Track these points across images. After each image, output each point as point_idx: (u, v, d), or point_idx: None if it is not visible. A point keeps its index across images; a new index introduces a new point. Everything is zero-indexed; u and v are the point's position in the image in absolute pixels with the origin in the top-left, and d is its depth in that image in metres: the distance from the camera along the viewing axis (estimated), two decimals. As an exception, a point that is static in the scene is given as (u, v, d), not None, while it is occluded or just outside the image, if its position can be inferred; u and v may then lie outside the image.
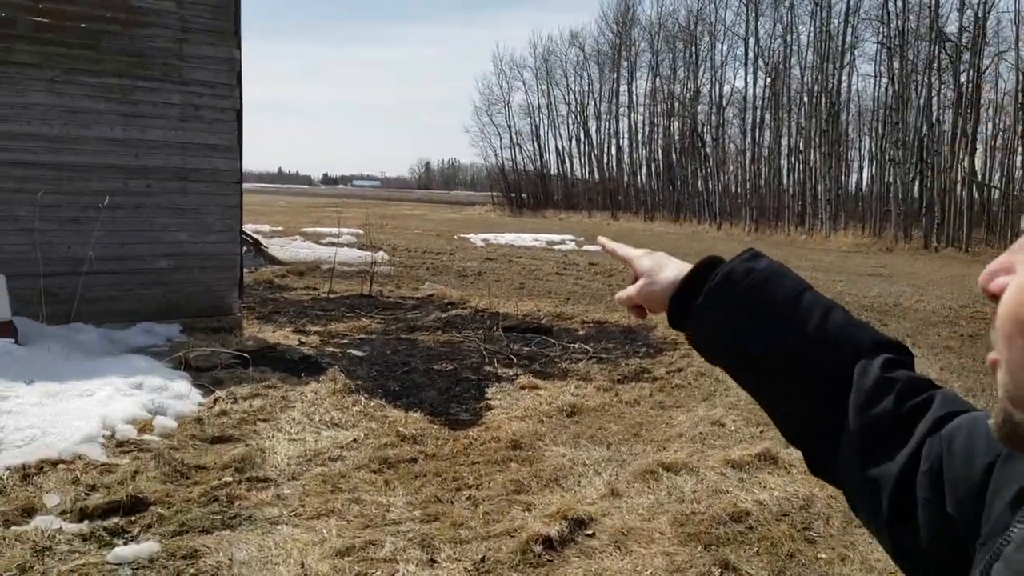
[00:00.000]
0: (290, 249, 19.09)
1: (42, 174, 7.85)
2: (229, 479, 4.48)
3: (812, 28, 37.12)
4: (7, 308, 6.97)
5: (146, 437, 5.11)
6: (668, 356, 8.31)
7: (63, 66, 7.91)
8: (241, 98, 9.05)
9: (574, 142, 56.94)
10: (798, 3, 38.57)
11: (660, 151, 48.61)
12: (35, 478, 4.30)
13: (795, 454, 5.19)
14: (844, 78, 36.32)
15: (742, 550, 3.80)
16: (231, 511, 4.11)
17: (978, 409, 0.81)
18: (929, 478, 0.77)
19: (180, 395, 5.91)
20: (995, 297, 0.60)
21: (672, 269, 1.05)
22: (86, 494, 4.19)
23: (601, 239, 1.24)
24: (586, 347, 8.65)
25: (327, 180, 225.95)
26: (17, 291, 7.21)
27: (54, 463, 4.51)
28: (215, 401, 5.94)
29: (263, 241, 18.62)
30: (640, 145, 51.23)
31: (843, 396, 0.86)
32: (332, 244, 20.41)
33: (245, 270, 10.68)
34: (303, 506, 4.20)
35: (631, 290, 1.09)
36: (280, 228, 26.94)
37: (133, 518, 3.97)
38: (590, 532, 3.94)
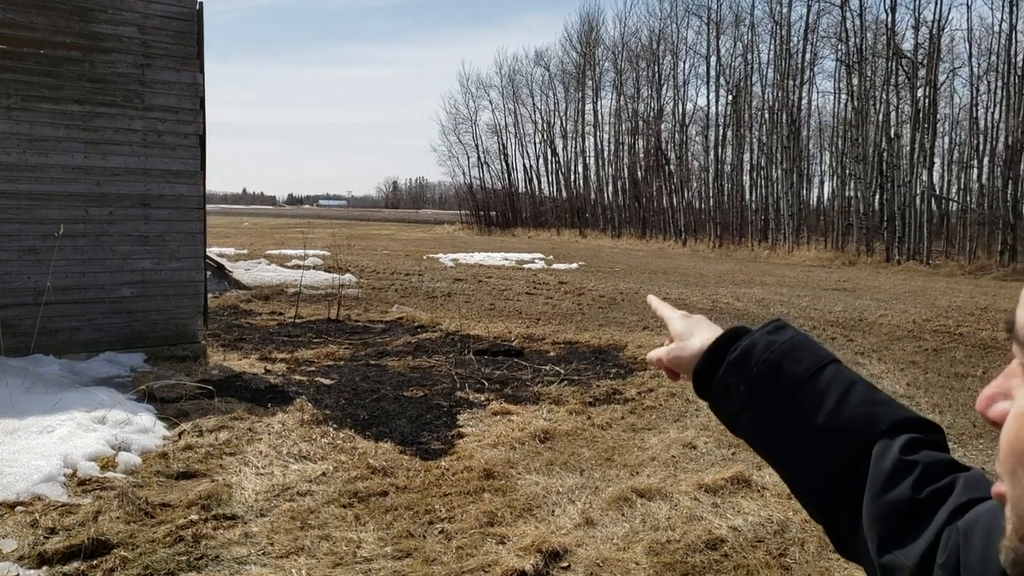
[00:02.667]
0: (255, 272, 18.88)
1: (0, 203, 7.68)
2: (195, 517, 4.37)
3: (772, 46, 37.76)
4: (-37, 342, 6.79)
5: (109, 475, 4.98)
6: (639, 376, 8.30)
7: (21, 93, 7.77)
8: (204, 123, 8.95)
9: (541, 160, 57.22)
10: (758, 22, 39.23)
11: (626, 168, 49.01)
12: (-8, 522, 4.16)
13: (768, 476, 5.20)
14: (804, 95, 36.98)
15: (718, 579, 3.78)
16: (197, 551, 4.01)
17: None
18: (946, 572, 0.73)
19: (144, 429, 5.77)
20: (995, 424, 0.58)
21: (702, 335, 1.04)
22: (45, 537, 4.06)
23: (650, 298, 1.25)
24: (557, 369, 8.62)
25: (292, 200, 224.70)
26: (-26, 324, 7.03)
27: (11, 505, 4.38)
28: (180, 435, 5.81)
29: (227, 265, 18.39)
30: (606, 163, 51.66)
31: (863, 478, 0.83)
32: (298, 267, 20.24)
33: (209, 295, 10.53)
34: (271, 544, 4.10)
35: (661, 352, 1.09)
36: (245, 251, 26.66)
37: (95, 562, 3.85)
38: (565, 565, 3.89)
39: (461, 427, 6.42)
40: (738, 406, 0.95)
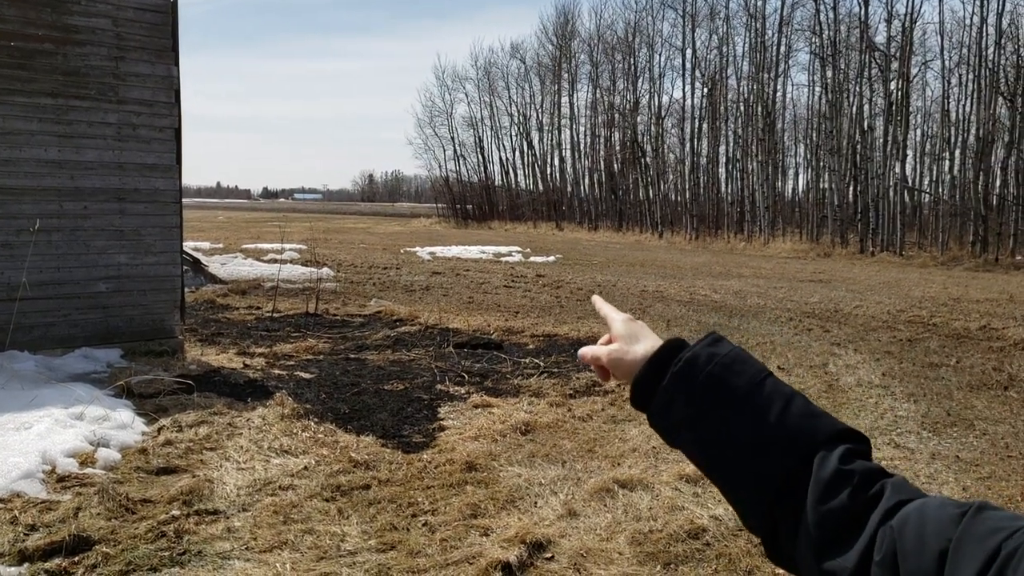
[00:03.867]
0: (231, 267, 18.74)
1: (-29, 198, 7.58)
2: (177, 513, 4.35)
3: (747, 39, 37.96)
4: (-64, 339, 6.70)
5: (89, 471, 4.94)
6: (618, 369, 8.34)
7: (-8, 86, 7.65)
8: (180, 116, 8.87)
9: (517, 153, 57.17)
10: (733, 15, 39.41)
11: (602, 161, 49.10)
12: (-30, 520, 4.12)
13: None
14: (779, 88, 37.19)
15: (701, 568, 3.82)
16: (180, 547, 3.99)
17: (927, 495, 0.82)
18: (883, 569, 0.78)
19: (123, 425, 5.73)
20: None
21: (645, 344, 1.03)
22: (26, 535, 4.03)
23: (595, 298, 1.22)
24: (537, 362, 8.65)
25: (267, 194, 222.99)
26: (-54, 320, 6.94)
27: (-9, 503, 4.33)
28: (159, 430, 5.78)
29: (203, 259, 18.25)
30: (582, 155, 51.72)
31: (802, 488, 0.86)
32: (275, 261, 20.12)
33: (186, 290, 10.46)
34: (255, 539, 4.09)
35: (600, 352, 1.07)
36: (220, 245, 26.46)
37: (76, 559, 3.82)
38: (549, 555, 3.92)
39: (442, 420, 6.43)
40: (680, 416, 0.96)
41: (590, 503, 4.60)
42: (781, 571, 3.81)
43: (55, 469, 4.87)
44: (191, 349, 9.09)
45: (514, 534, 4.03)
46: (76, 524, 4.10)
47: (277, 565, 3.79)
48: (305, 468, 5.11)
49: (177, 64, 8.80)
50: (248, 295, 14.30)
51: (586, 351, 1.09)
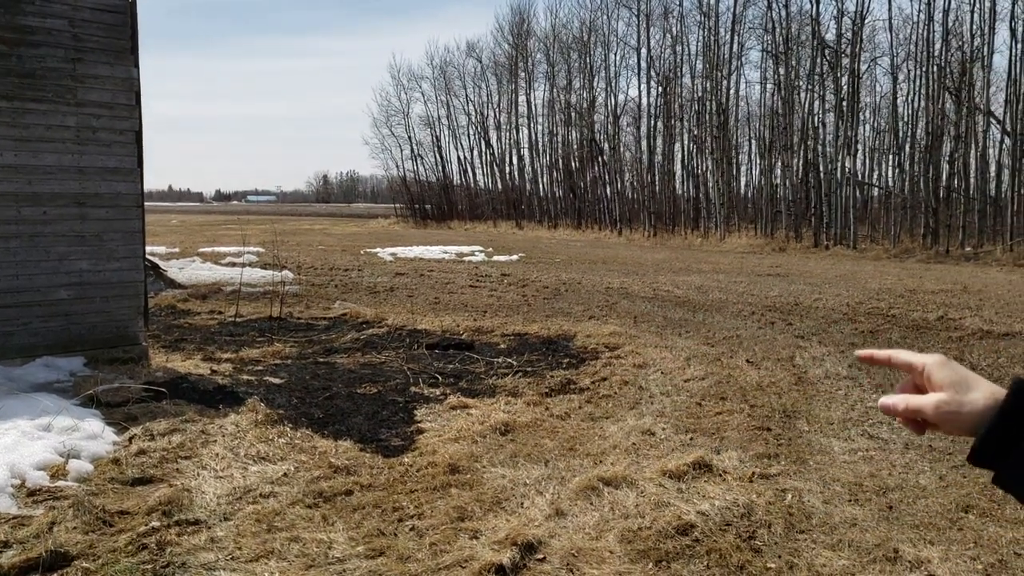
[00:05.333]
0: (190, 271, 18.43)
1: (-76, 204, 7.33)
2: (157, 524, 4.25)
3: (700, 37, 38.37)
4: None
5: (61, 483, 4.81)
6: (591, 366, 8.36)
7: (-57, 89, 7.41)
8: (140, 119, 8.68)
9: (475, 152, 57.19)
10: (687, 13, 39.84)
11: (560, 160, 49.28)
12: (-59, 538, 3.98)
13: (727, 461, 5.30)
14: (732, 85, 37.65)
15: (692, 564, 3.83)
16: (163, 559, 3.90)
17: None
18: None
19: (93, 435, 5.59)
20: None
21: (982, 391, 0.91)
22: None
23: (859, 353, 1.07)
24: (510, 361, 8.63)
25: (220, 196, 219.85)
26: (-99, 331, 6.70)
27: (-39, 520, 4.19)
28: (131, 439, 5.64)
29: (161, 264, 17.91)
30: (541, 154, 51.86)
31: None
32: (234, 264, 19.84)
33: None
34: (239, 549, 4.01)
35: (923, 404, 0.93)
36: (176, 249, 26.01)
37: (55, 575, 3.71)
38: (540, 556, 3.90)
39: (420, 422, 6.38)
40: None
41: (576, 502, 4.59)
42: (772, 565, 3.85)
43: (25, 483, 4.73)
44: (156, 356, 8.91)
45: (504, 536, 4.00)
46: (52, 539, 3.98)
47: (265, 575, 3.72)
48: (285, 475, 5.03)
49: (137, 66, 8.61)
50: (209, 299, 14.06)
51: (897, 402, 0.96)
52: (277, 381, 7.88)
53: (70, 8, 8.07)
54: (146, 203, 9.08)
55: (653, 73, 41.35)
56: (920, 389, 0.96)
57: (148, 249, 18.16)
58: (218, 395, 7.18)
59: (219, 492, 4.73)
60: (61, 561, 3.84)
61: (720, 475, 5.06)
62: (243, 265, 18.87)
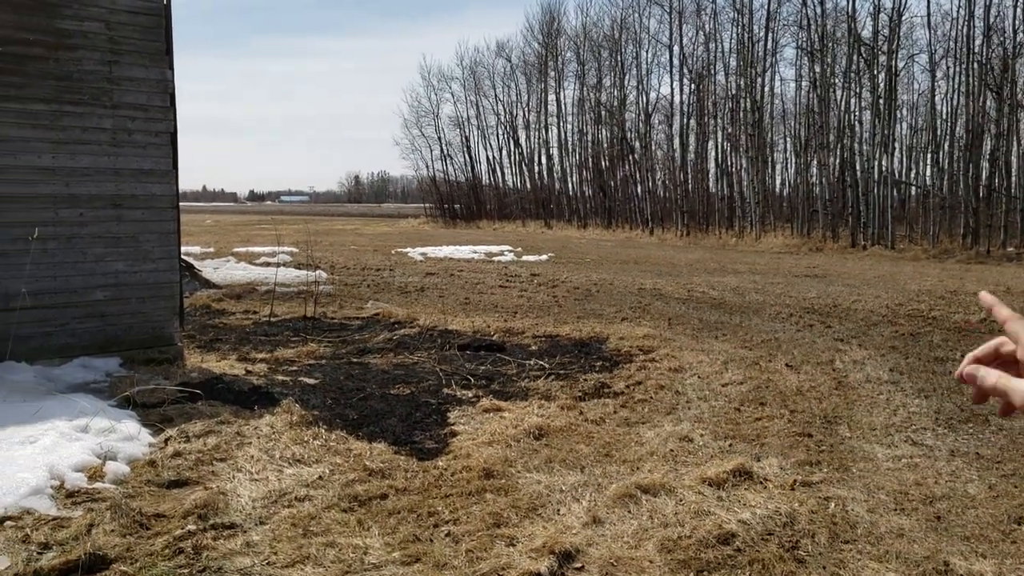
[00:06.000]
0: (224, 271, 18.57)
1: (-35, 206, 7.42)
2: (193, 527, 4.24)
3: (734, 34, 38.01)
4: (-67, 351, 6.54)
5: (98, 485, 4.82)
6: (625, 369, 8.27)
7: (-16, 92, 7.49)
8: (175, 120, 8.73)
9: (504, 152, 57.17)
10: (720, 10, 39.43)
11: (590, 159, 49.07)
12: (-19, 540, 4.00)
13: (768, 468, 5.19)
14: (766, 83, 37.23)
15: (734, 575, 3.74)
16: (199, 563, 3.88)
17: None
18: None
19: (129, 436, 5.61)
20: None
21: None
22: (39, 553, 3.91)
23: (984, 295, 0.99)
24: (542, 363, 8.56)
25: (254, 197, 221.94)
26: (-58, 332, 6.79)
27: (0, 520, 4.21)
28: (167, 441, 5.65)
29: (196, 264, 18.07)
30: (570, 153, 51.70)
31: None
32: (268, 264, 19.97)
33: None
34: (275, 553, 3.99)
35: (1016, 388, 0.85)
36: (211, 249, 26.25)
37: (93, 578, 3.71)
38: (579, 565, 3.83)
39: (453, 425, 6.33)
40: None
41: (614, 509, 4.52)
42: (816, 575, 3.74)
43: (64, 484, 4.75)
44: (191, 356, 8.96)
45: (541, 544, 3.94)
46: (91, 541, 3.98)
47: (301, 581, 3.69)
48: (320, 478, 5.01)
49: (171, 67, 8.66)
50: (243, 299, 14.15)
51: (986, 376, 0.87)
52: (312, 381, 7.88)
53: (106, 11, 8.13)
54: (181, 203, 9.13)
55: (686, 70, 41.06)
56: (1005, 363, 0.87)
57: (183, 249, 18.38)
58: (253, 396, 7.19)
59: (254, 495, 4.72)
60: (100, 564, 3.84)
61: (761, 483, 4.96)
62: (277, 265, 18.98)
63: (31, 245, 7.60)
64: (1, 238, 7.59)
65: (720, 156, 39.72)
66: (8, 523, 4.20)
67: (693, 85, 40.56)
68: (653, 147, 44.55)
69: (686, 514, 4.42)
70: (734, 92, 37.95)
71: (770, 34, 36.53)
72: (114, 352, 8.28)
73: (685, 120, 41.34)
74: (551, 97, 52.23)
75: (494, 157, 58.12)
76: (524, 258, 24.49)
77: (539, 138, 53.75)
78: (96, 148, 8.14)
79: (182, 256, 14.05)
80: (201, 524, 4.30)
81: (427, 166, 61.69)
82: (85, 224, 8.10)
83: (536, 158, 54.28)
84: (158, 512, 4.46)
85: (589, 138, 49.31)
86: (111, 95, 8.21)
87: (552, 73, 52.13)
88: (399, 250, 27.34)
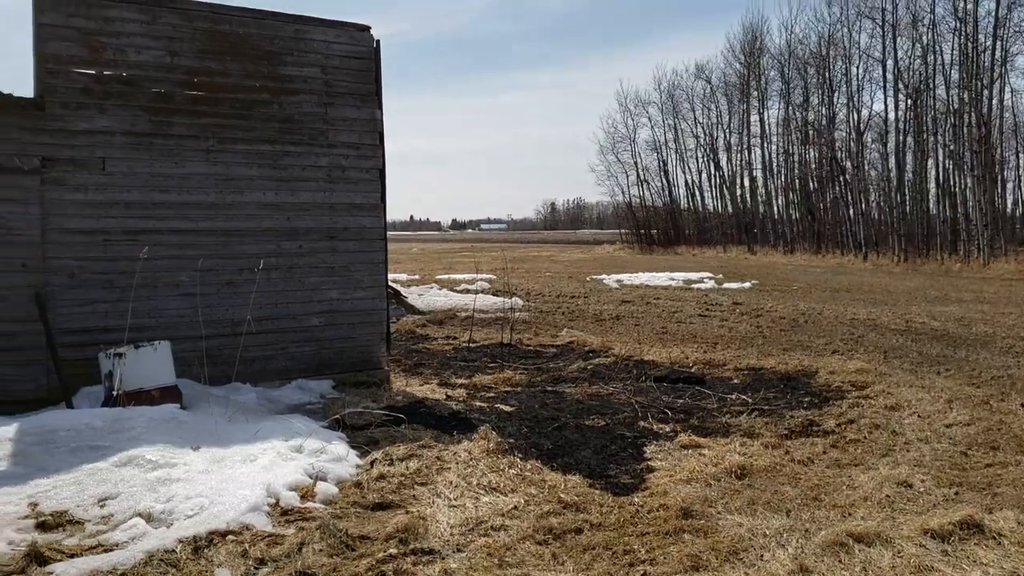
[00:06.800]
0: (427, 298, 19.35)
1: (201, 240, 8.17)
2: (394, 551, 4.35)
3: (956, 45, 35.21)
4: (172, 373, 7.22)
5: (309, 504, 5.08)
6: (836, 406, 7.75)
7: (218, 136, 8.25)
8: (383, 157, 9.21)
9: (704, 175, 56.18)
10: (939, 20, 36.72)
11: (797, 180, 47.08)
12: (206, 551, 4.30)
13: (1003, 522, 4.64)
14: (994, 95, 34.18)
15: (966, 645, 3.35)
16: (398, 588, 3.97)
17: None
18: None
19: (338, 458, 5.89)
20: None
21: None
22: (255, 568, 4.15)
23: None
24: (744, 398, 8.20)
25: (456, 225, 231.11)
26: (179, 354, 7.48)
27: (223, 534, 4.52)
28: (372, 463, 5.89)
29: (403, 291, 18.96)
30: (774, 175, 49.87)
31: None
32: (467, 291, 20.60)
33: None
34: (471, 583, 4.01)
35: None
36: (416, 276, 27.47)
37: (302, 595, 3.88)
38: (785, 619, 3.57)
39: (649, 460, 6.17)
40: None
41: (823, 558, 4.19)
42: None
43: (279, 502, 5.04)
44: (396, 380, 9.35)
45: (743, 593, 3.71)
46: (301, 560, 4.19)
47: (495, 613, 3.68)
48: (515, 508, 5.01)
49: (381, 107, 9.16)
50: (445, 325, 14.66)
51: None
52: (508, 409, 7.98)
53: (322, 57, 8.73)
54: (389, 232, 9.60)
55: (901, 86, 38.51)
56: None
57: (390, 276, 19.32)
58: (452, 421, 7.37)
59: (452, 522, 4.79)
60: (308, 582, 4.02)
61: (994, 538, 4.44)
62: (475, 292, 19.55)
63: (257, 275, 8.24)
64: (230, 269, 8.29)
65: (941, 175, 36.83)
66: (230, 537, 4.50)
67: (909, 100, 37.95)
68: (866, 167, 42.05)
69: (905, 568, 4.03)
70: (956, 107, 35.11)
71: (998, 42, 33.59)
72: (327, 375, 8.79)
73: (901, 138, 38.72)
74: (753, 117, 50.79)
75: (693, 181, 57.26)
76: (725, 285, 23.77)
77: (741, 160, 52.37)
78: (313, 184, 8.73)
79: (390, 283, 14.76)
80: (402, 548, 4.41)
81: (623, 192, 61.75)
82: (303, 255, 8.69)
83: (738, 180, 52.90)
84: (362, 534, 4.62)
85: (795, 159, 47.38)
86: (326, 135, 8.79)
87: (754, 93, 50.69)
88: (594, 277, 27.38)
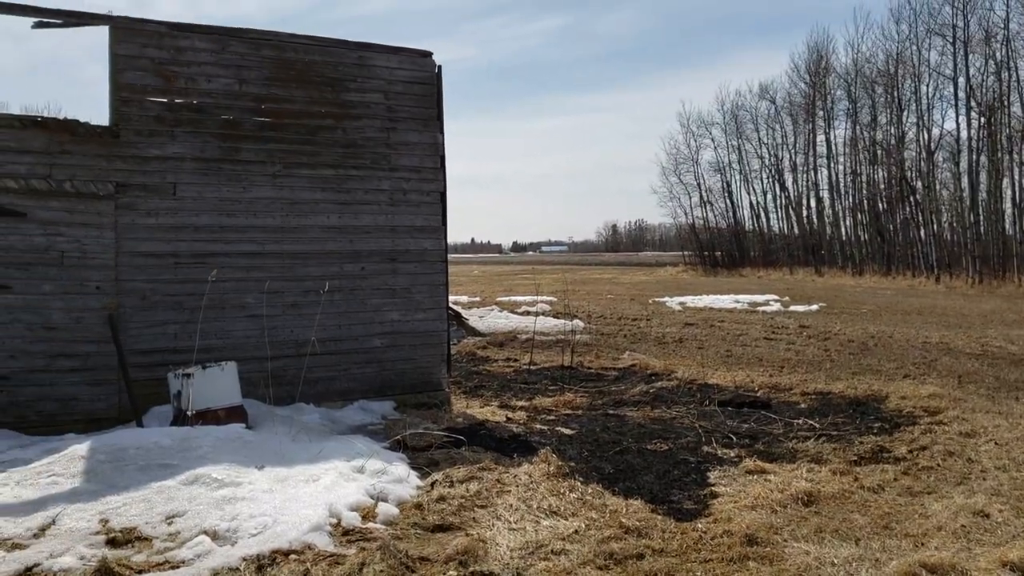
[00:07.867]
0: (488, 320, 19.39)
1: (267, 263, 8.35)
2: (454, 573, 4.34)
3: (1032, 59, 34.12)
4: (238, 393, 7.35)
5: (370, 525, 5.11)
6: (908, 432, 7.50)
7: (284, 161, 8.44)
8: (444, 180, 9.29)
9: (769, 196, 55.28)
10: (1014, 36, 35.68)
11: (865, 201, 46.04)
12: (269, 569, 4.35)
13: (1090, 557, 4.40)
14: (1075, 110, 32.96)
15: None
16: (457, 611, 3.95)
17: None
18: None
19: (399, 479, 5.91)
20: None
21: None
22: (316, 588, 4.18)
23: None
24: (811, 423, 7.99)
25: (516, 247, 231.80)
26: (245, 374, 7.63)
27: (285, 553, 4.56)
28: (432, 485, 5.89)
29: (463, 313, 19.05)
30: (842, 195, 48.85)
31: None
32: (528, 313, 20.58)
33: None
34: (530, 608, 3.97)
35: None
36: (477, 298, 27.59)
37: (362, 616, 3.89)
38: (855, 653, 3.44)
39: (713, 486, 6.04)
40: None
41: (896, 591, 4.04)
42: None
43: (340, 522, 5.08)
44: (457, 401, 9.37)
45: (811, 624, 3.59)
46: (361, 580, 4.20)
47: (554, 639, 3.63)
48: (576, 532, 4.96)
49: (442, 131, 9.26)
50: (505, 347, 14.67)
51: None
52: (568, 432, 7.92)
53: (385, 83, 8.89)
54: (450, 255, 9.67)
55: (973, 103, 37.49)
56: None
57: (451, 299, 19.42)
58: (512, 443, 7.34)
59: (512, 545, 4.76)
60: (366, 603, 4.03)
61: (1081, 573, 4.22)
62: (536, 314, 19.53)
63: (321, 297, 8.37)
64: (294, 291, 8.44)
65: (1018, 194, 35.60)
66: (292, 556, 4.54)
67: (983, 119, 36.89)
68: (938, 187, 40.94)
69: (985, 605, 3.85)
70: (1033, 123, 33.99)
71: (1078, 55, 32.45)
72: (388, 396, 8.87)
73: (974, 156, 37.62)
74: (819, 137, 49.88)
75: (758, 202, 56.43)
76: (791, 308, 23.30)
77: (807, 180, 51.43)
78: (375, 208, 8.86)
79: (451, 305, 14.85)
80: (462, 571, 4.39)
81: (686, 213, 61.13)
82: (366, 277, 8.81)
83: (804, 201, 51.92)
84: (422, 555, 4.62)
85: (863, 179, 46.34)
86: (389, 159, 8.92)
87: (820, 112, 49.84)
88: (656, 299, 27.12)
